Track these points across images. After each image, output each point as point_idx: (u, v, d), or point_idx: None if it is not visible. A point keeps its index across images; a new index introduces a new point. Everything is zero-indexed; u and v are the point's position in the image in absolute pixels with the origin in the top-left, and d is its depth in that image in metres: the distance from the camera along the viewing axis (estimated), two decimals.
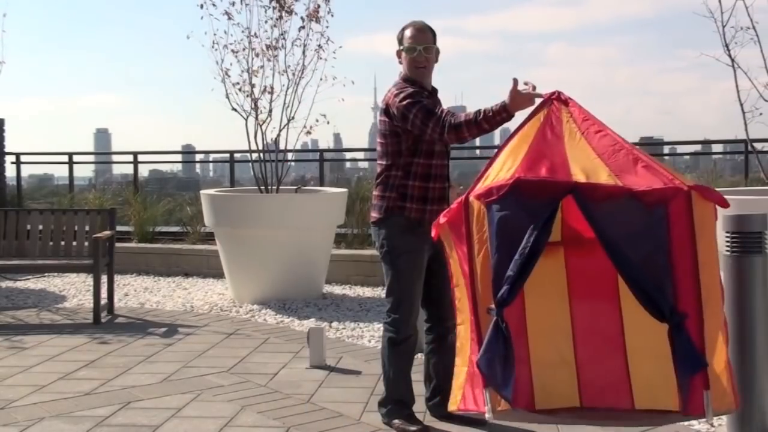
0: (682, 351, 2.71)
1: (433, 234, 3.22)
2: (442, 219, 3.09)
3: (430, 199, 3.87)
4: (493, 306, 2.79)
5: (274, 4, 7.71)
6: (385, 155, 3.94)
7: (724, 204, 2.81)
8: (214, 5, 7.74)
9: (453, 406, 3.04)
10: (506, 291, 2.76)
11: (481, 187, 2.91)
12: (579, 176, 2.81)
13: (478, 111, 3.60)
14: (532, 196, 2.78)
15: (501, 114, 3.51)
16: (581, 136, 3.02)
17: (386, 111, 3.89)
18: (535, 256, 2.77)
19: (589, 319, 3.18)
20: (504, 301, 2.76)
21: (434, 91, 4.01)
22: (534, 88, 3.45)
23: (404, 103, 3.78)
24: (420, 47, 3.87)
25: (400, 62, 3.96)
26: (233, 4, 7.72)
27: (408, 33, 3.91)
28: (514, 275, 2.74)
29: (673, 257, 2.73)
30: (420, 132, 3.77)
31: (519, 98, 3.46)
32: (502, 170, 2.93)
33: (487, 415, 2.79)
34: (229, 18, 7.72)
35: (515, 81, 3.50)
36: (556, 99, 3.20)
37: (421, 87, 3.89)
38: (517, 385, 2.80)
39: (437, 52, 3.96)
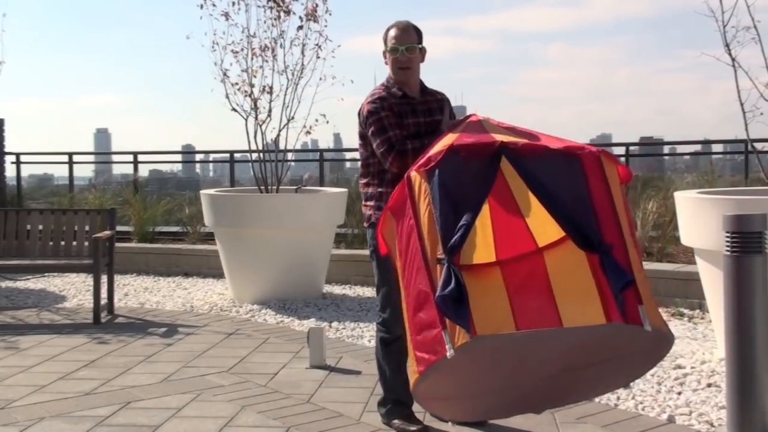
0: (611, 268, 2.98)
1: (380, 243, 3.48)
2: (386, 208, 3.37)
3: None
4: (441, 255, 3.00)
5: (271, 3, 7.71)
6: (362, 157, 4.02)
7: (626, 174, 3.25)
8: (213, 5, 7.76)
9: (412, 378, 3.18)
10: (458, 238, 2.99)
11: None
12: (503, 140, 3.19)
13: (423, 139, 3.75)
14: (467, 157, 3.11)
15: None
16: (497, 126, 3.40)
17: (359, 112, 3.96)
18: (480, 208, 3.09)
19: (514, 261, 3.53)
20: (454, 249, 2.99)
21: (424, 89, 3.98)
22: None
23: (367, 108, 3.88)
24: (402, 47, 3.86)
25: (386, 63, 3.97)
26: (233, 4, 7.74)
27: (391, 33, 3.90)
28: (467, 224, 3.00)
29: (594, 201, 3.06)
30: (372, 143, 3.86)
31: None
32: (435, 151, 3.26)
33: (448, 353, 2.92)
34: (227, 18, 7.73)
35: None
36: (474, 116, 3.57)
37: (402, 91, 3.91)
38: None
39: (423, 51, 3.95)
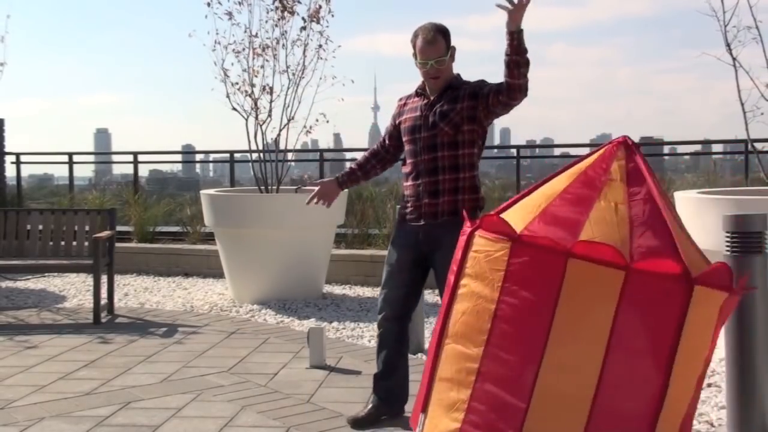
0: None
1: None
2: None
3: (406, 197, 3.96)
4: None
5: (276, 4, 7.71)
6: None
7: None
8: (219, 3, 7.76)
9: None
10: None
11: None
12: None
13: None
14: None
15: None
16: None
17: None
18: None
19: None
20: None
21: (451, 85, 3.87)
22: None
23: None
24: (431, 61, 3.79)
25: (416, 65, 3.91)
26: (239, 3, 7.74)
27: (419, 44, 3.80)
28: None
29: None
30: None
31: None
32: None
33: None
34: (230, 18, 7.74)
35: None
36: (619, 145, 2.87)
37: (421, 90, 3.95)
38: None
39: (453, 50, 3.85)
